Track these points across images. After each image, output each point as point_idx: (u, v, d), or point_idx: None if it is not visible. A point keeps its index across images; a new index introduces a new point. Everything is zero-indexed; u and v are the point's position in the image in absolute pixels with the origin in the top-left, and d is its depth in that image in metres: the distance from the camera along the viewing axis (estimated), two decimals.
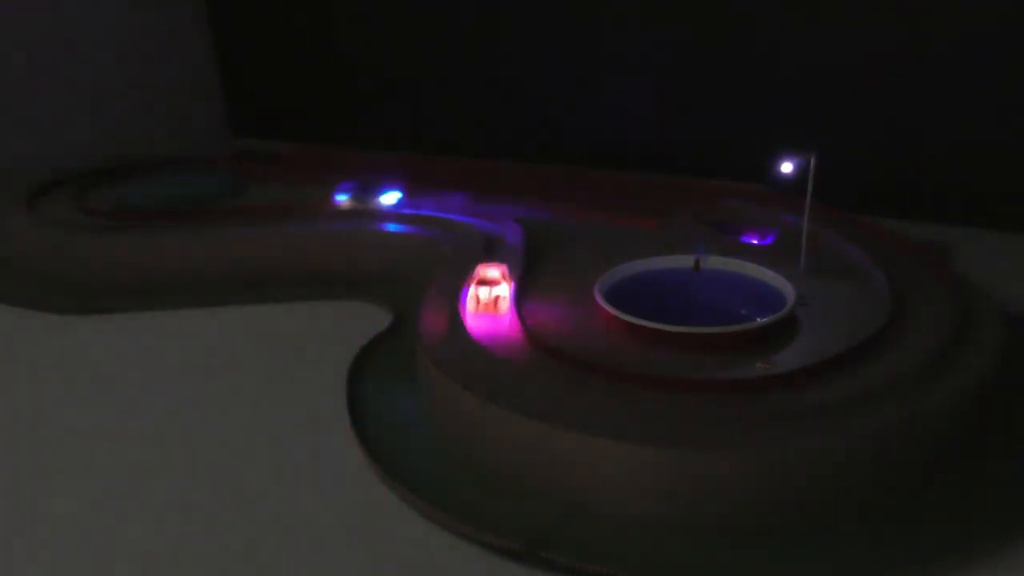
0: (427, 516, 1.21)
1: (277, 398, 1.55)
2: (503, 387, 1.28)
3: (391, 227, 2.01)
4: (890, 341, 1.38)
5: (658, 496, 1.16)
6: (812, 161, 1.57)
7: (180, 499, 1.29)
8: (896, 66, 2.17)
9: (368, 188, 2.15)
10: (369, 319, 1.79)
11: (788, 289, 1.50)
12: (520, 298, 1.58)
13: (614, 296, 1.50)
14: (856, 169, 2.17)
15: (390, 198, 2.12)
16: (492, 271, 1.56)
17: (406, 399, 1.48)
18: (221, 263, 2.01)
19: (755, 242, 1.86)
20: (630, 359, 1.35)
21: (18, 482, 1.35)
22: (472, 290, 1.54)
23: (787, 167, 1.61)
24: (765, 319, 1.40)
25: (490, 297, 1.53)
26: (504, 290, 1.54)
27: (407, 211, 2.08)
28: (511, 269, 1.61)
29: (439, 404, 1.39)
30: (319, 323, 1.84)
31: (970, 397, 1.28)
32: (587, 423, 1.18)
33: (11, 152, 2.49)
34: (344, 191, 2.15)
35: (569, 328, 1.47)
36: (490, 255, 1.76)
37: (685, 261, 1.63)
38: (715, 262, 1.63)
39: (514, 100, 2.70)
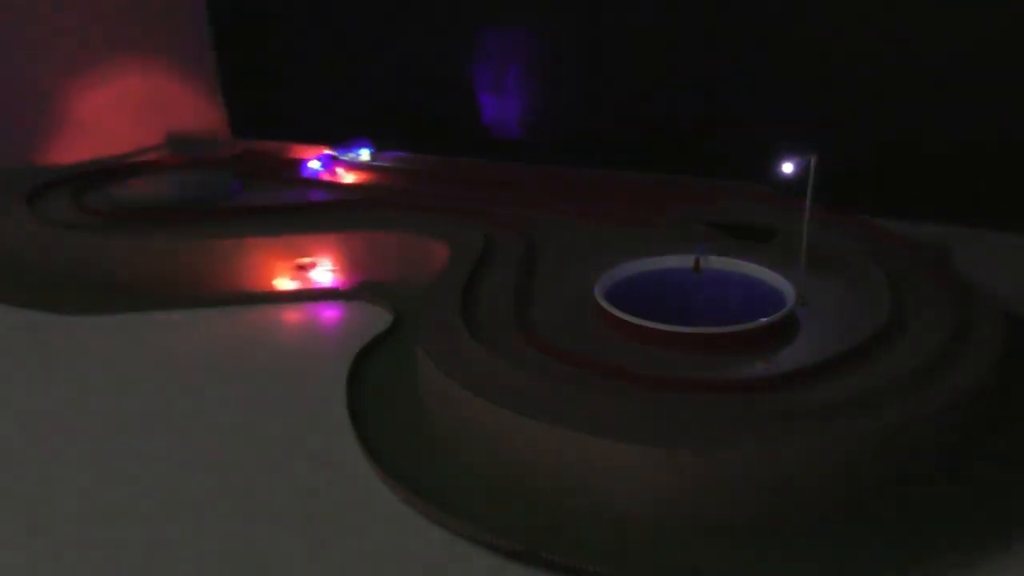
0: (427, 516, 1.22)
1: (277, 398, 1.55)
2: (503, 387, 1.28)
3: (390, 227, 2.01)
4: (890, 341, 1.38)
5: (658, 496, 1.16)
6: (812, 161, 1.57)
7: (180, 499, 1.29)
8: (897, 65, 2.16)
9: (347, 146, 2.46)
10: (369, 319, 1.79)
11: (788, 289, 1.50)
12: (521, 298, 1.58)
13: (614, 296, 1.50)
14: (856, 169, 2.17)
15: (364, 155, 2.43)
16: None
17: (406, 399, 1.47)
18: (220, 263, 2.00)
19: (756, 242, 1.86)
20: (630, 359, 1.35)
21: (17, 482, 1.35)
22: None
23: (787, 167, 1.61)
24: (765, 319, 1.40)
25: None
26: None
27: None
28: None
29: (439, 404, 1.39)
30: (319, 323, 1.84)
31: (970, 397, 1.27)
32: (586, 423, 1.18)
33: (11, 152, 2.49)
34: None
35: (569, 328, 1.48)
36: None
37: (685, 261, 1.63)
38: (715, 262, 1.63)
39: (514, 100, 2.70)
